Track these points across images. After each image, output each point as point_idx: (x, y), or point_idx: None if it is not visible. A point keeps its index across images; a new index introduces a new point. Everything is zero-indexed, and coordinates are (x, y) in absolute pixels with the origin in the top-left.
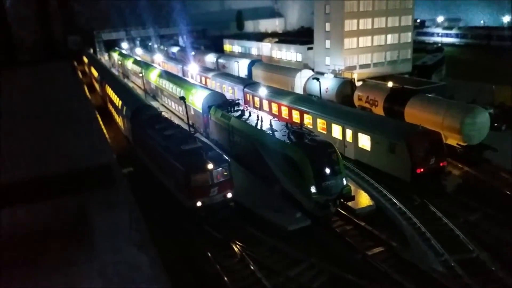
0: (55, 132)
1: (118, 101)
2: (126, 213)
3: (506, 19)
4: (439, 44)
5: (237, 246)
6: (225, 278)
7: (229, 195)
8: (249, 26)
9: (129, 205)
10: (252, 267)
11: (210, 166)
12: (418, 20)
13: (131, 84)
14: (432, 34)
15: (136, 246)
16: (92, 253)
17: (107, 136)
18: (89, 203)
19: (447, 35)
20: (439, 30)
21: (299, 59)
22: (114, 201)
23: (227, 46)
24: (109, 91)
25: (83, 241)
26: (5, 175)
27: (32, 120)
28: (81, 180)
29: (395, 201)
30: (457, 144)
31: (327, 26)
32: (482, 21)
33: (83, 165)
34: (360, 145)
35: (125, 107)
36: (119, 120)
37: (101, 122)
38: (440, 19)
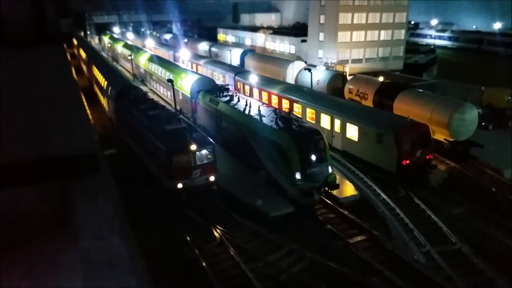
0: (39, 115)
1: (103, 82)
2: (108, 199)
3: (497, 25)
4: (432, 46)
5: (218, 230)
6: (203, 263)
7: (212, 178)
8: (245, 19)
9: (111, 192)
10: (231, 252)
11: (193, 147)
12: (412, 22)
13: (119, 68)
14: (425, 36)
15: (117, 235)
16: (74, 240)
17: (91, 119)
18: (72, 189)
19: (440, 38)
20: (432, 32)
21: (293, 51)
22: (96, 188)
23: (221, 36)
24: (96, 72)
25: (66, 227)
26: None
27: (15, 103)
28: (64, 166)
29: (379, 191)
30: (445, 139)
31: (322, 19)
32: (474, 26)
33: (66, 150)
34: (348, 135)
35: (110, 88)
36: (104, 101)
37: (86, 106)
38: (434, 22)
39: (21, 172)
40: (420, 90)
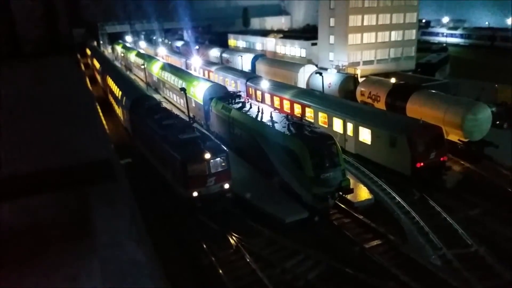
0: (55, 125)
1: (118, 92)
2: (125, 208)
3: (510, 20)
4: (444, 44)
5: (233, 237)
6: (220, 270)
7: (227, 186)
8: (255, 23)
9: (128, 200)
10: (247, 259)
11: (208, 155)
12: (424, 20)
13: (133, 77)
14: (437, 34)
15: (135, 241)
16: (92, 247)
17: (107, 129)
18: (88, 198)
19: (451, 35)
20: (444, 30)
21: (303, 54)
22: (113, 196)
23: (232, 41)
24: (110, 82)
25: (83, 235)
26: (5, 168)
27: (32, 113)
28: (80, 175)
29: (394, 195)
30: (459, 140)
31: (332, 22)
32: (486, 23)
33: (82, 159)
34: (360, 139)
35: (124, 98)
36: (119, 111)
37: (101, 115)
38: (445, 19)
39: (37, 181)
40: (433, 91)
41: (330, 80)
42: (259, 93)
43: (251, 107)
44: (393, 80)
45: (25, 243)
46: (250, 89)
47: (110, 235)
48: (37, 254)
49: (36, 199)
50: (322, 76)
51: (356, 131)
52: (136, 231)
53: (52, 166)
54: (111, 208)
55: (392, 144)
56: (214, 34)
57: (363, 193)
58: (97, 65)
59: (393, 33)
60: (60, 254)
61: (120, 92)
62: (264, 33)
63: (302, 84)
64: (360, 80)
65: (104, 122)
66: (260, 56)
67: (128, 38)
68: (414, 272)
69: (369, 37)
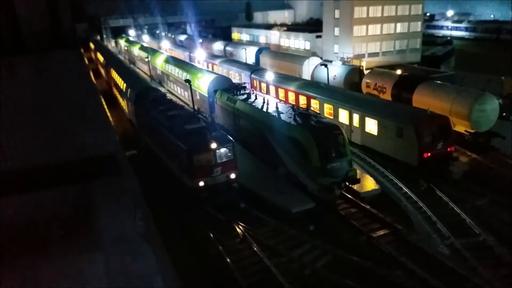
0: (60, 119)
1: (122, 85)
2: (130, 200)
3: None
4: (449, 37)
5: (240, 227)
6: (227, 259)
7: (233, 176)
8: (258, 17)
9: (134, 192)
10: (254, 248)
11: (214, 145)
12: (428, 14)
13: (137, 71)
14: (441, 27)
15: (140, 234)
16: (97, 241)
17: (112, 122)
18: (94, 191)
19: (456, 29)
20: (448, 24)
21: (308, 47)
22: (118, 189)
23: (235, 34)
24: (114, 75)
25: (88, 229)
26: (11, 163)
27: (36, 107)
28: (86, 168)
29: (401, 185)
30: (465, 130)
31: (336, 13)
32: (492, 15)
33: (87, 153)
34: (367, 129)
35: (129, 90)
36: (123, 103)
37: (106, 109)
38: (450, 13)
39: (43, 175)
40: (439, 82)
41: (335, 72)
42: (263, 85)
43: (256, 99)
44: (398, 72)
45: (30, 237)
46: (255, 81)
47: (115, 229)
48: (41, 249)
49: (41, 193)
50: (327, 68)
51: (362, 122)
52: (142, 224)
53: (57, 160)
54: (116, 202)
55: (399, 134)
56: (217, 28)
57: (369, 184)
58: (101, 58)
59: (398, 25)
60: (64, 249)
61: (125, 85)
62: (268, 27)
63: (306, 76)
64: (365, 72)
65: (109, 114)
66: (264, 49)
67: (131, 32)
68: (422, 261)
69: (374, 29)
